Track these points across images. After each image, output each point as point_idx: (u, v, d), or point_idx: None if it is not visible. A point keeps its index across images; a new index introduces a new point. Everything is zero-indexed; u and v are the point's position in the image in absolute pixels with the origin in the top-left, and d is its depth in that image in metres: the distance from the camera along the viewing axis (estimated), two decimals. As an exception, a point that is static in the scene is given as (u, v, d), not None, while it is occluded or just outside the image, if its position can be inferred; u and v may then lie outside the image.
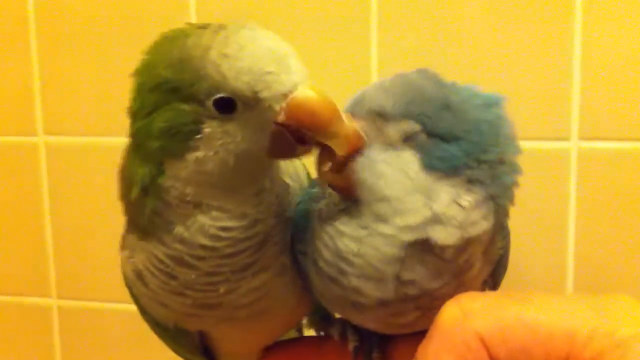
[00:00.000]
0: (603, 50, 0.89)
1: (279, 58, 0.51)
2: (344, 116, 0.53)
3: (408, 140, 0.52)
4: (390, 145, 0.53)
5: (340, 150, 0.52)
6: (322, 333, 0.70)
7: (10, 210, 1.15)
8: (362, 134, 0.53)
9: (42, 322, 1.16)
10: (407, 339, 0.59)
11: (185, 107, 0.52)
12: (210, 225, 0.55)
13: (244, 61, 0.50)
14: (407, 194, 0.51)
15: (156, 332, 0.67)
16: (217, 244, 0.55)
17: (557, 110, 0.91)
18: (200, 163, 0.53)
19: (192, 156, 0.53)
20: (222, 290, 0.57)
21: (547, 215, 0.94)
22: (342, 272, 0.54)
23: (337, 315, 0.66)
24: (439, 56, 0.94)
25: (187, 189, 0.54)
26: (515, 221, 0.57)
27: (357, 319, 0.59)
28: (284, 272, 0.61)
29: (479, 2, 0.92)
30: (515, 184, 0.54)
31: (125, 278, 0.62)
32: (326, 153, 0.54)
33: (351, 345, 0.63)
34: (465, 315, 0.43)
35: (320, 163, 0.55)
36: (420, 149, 0.52)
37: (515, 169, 0.54)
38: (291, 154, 0.55)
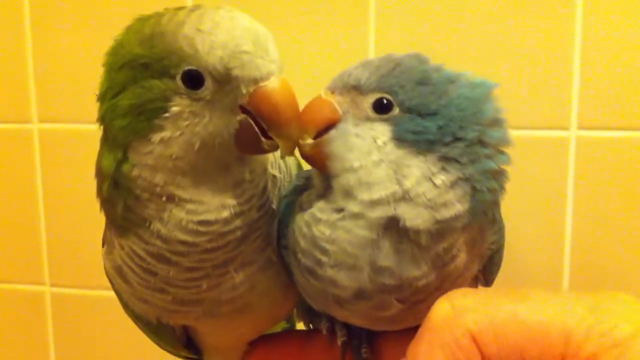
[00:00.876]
0: (603, 40, 0.89)
1: (257, 40, 0.50)
2: (323, 93, 0.54)
3: (381, 113, 0.52)
4: (364, 118, 0.52)
5: (285, 153, 0.53)
6: (310, 326, 0.69)
7: (4, 198, 1.14)
8: (337, 107, 0.53)
9: (35, 310, 1.16)
10: (396, 334, 0.58)
11: (155, 82, 0.51)
12: (188, 220, 0.53)
13: (218, 36, 0.49)
14: (375, 166, 0.51)
15: (139, 326, 0.66)
16: (197, 239, 0.53)
17: (556, 99, 0.90)
18: (165, 145, 0.51)
19: (157, 137, 0.51)
20: (204, 286, 0.56)
21: (544, 204, 0.93)
22: (318, 262, 0.53)
23: (324, 310, 0.65)
24: (438, 44, 0.92)
25: (155, 177, 0.52)
26: (513, 209, 0.56)
27: (341, 314, 0.57)
28: (268, 266, 0.59)
29: (478, -12, 0.91)
30: (498, 172, 0.52)
31: (107, 273, 0.61)
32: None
33: (339, 341, 0.61)
34: (456, 312, 0.41)
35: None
36: (393, 122, 0.51)
37: (499, 156, 0.52)
38: (257, 147, 0.53)
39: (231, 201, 0.54)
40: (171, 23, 0.50)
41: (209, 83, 0.50)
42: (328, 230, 0.52)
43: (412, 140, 0.50)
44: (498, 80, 0.88)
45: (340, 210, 0.52)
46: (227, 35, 0.49)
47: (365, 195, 0.50)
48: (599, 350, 0.38)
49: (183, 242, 0.53)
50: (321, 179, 0.55)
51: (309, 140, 0.53)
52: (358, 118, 0.53)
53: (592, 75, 0.89)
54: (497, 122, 0.52)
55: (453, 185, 0.50)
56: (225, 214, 0.54)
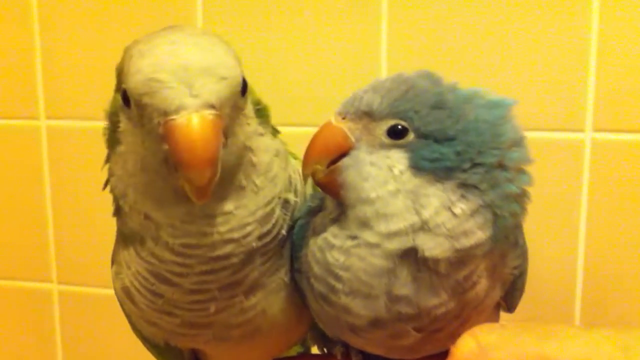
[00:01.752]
0: (619, 41, 0.87)
1: (180, 70, 0.45)
2: (333, 119, 0.52)
3: (396, 139, 0.50)
4: (378, 146, 0.50)
5: (191, 195, 0.47)
6: (325, 351, 0.68)
7: (12, 195, 1.14)
8: (349, 134, 0.51)
9: (42, 307, 1.16)
10: None
11: (116, 95, 0.51)
12: (172, 242, 0.52)
13: (144, 61, 0.46)
14: (392, 196, 0.49)
15: (147, 347, 0.65)
16: (188, 261, 0.52)
17: (572, 102, 0.89)
18: (123, 159, 0.51)
19: (119, 149, 0.52)
20: (212, 309, 0.55)
21: (558, 206, 0.92)
22: (332, 289, 0.52)
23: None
24: (451, 45, 0.91)
25: (127, 191, 0.52)
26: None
27: (355, 342, 0.56)
28: (280, 289, 0.58)
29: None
30: (519, 195, 0.50)
31: (116, 294, 0.60)
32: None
33: None
34: (481, 349, 0.40)
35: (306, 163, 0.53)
36: (409, 149, 0.49)
37: (520, 178, 0.50)
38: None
39: (211, 229, 0.51)
40: (135, 41, 0.50)
41: (132, 105, 0.48)
42: (342, 256, 0.51)
43: (430, 168, 0.48)
44: (513, 81, 0.89)
45: (354, 237, 0.50)
46: (150, 61, 0.46)
47: (382, 227, 0.49)
48: None
49: (174, 263, 0.53)
50: (334, 203, 0.54)
51: (322, 168, 0.52)
52: (372, 145, 0.51)
53: (608, 77, 0.88)
54: (516, 143, 0.50)
55: (473, 213, 0.48)
56: (210, 240, 0.52)
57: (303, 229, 0.57)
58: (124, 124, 0.50)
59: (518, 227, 0.54)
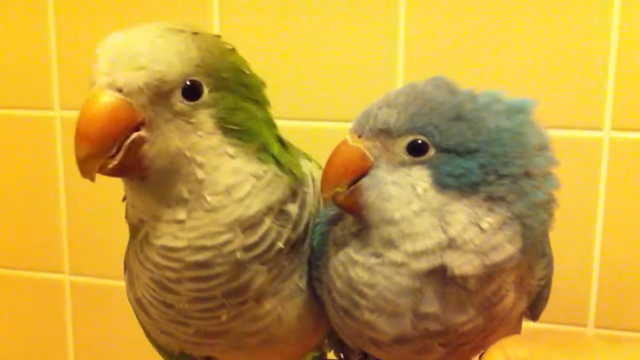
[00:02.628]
0: (639, 41, 0.86)
1: (111, 53, 0.48)
2: (349, 136, 0.50)
3: (416, 156, 0.48)
4: (398, 163, 0.48)
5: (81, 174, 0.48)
6: (342, 356, 0.67)
7: (25, 185, 1.14)
8: (367, 153, 0.49)
9: (54, 298, 1.16)
10: None
11: None
12: (156, 244, 0.52)
13: (102, 41, 0.49)
14: (417, 216, 0.47)
15: (162, 356, 0.65)
16: (173, 265, 0.52)
17: (590, 100, 0.89)
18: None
19: None
20: (224, 317, 0.54)
21: (575, 206, 0.91)
22: (355, 305, 0.50)
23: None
24: (470, 43, 0.91)
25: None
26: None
27: (377, 354, 0.55)
28: (295, 295, 0.57)
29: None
30: (548, 201, 0.48)
31: (130, 303, 0.60)
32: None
33: None
34: None
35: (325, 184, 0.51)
36: (430, 165, 0.47)
37: (548, 183, 0.48)
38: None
39: (181, 234, 0.51)
40: None
41: None
42: (366, 274, 0.49)
43: (455, 184, 0.47)
44: (531, 78, 0.88)
45: (378, 255, 0.49)
46: (103, 41, 0.49)
47: (408, 247, 0.47)
48: None
49: (165, 267, 0.52)
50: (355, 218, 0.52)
51: (342, 190, 0.50)
52: (391, 163, 0.49)
53: (627, 75, 0.88)
54: (541, 147, 0.48)
55: (501, 226, 0.47)
56: (179, 243, 0.51)
57: (323, 237, 0.55)
58: None
59: (545, 235, 0.53)
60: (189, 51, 0.49)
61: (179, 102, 0.49)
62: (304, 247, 0.57)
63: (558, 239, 0.91)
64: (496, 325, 0.50)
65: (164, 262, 0.52)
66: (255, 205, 0.53)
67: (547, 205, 0.49)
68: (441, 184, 0.47)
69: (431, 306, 0.48)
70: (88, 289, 1.14)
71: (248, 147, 0.53)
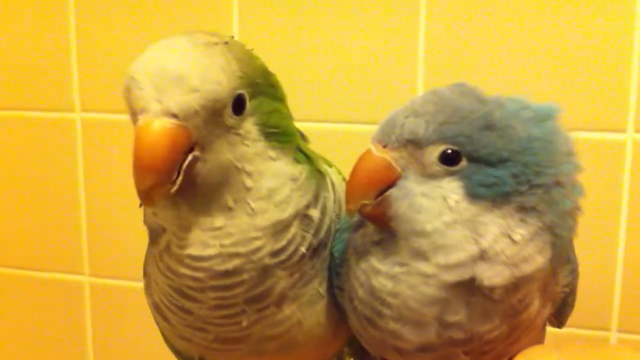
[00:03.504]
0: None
1: (154, 73, 0.46)
2: (373, 146, 0.49)
3: (447, 166, 0.47)
4: (429, 174, 0.47)
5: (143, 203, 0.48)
6: None
7: (45, 187, 1.15)
8: (394, 164, 0.48)
9: (74, 299, 1.16)
10: None
11: None
12: (180, 254, 0.51)
13: (135, 62, 0.48)
14: (449, 227, 0.46)
15: None
16: (196, 275, 0.51)
17: (614, 102, 0.88)
18: None
19: None
20: (244, 323, 0.54)
21: (598, 208, 0.90)
22: (379, 314, 0.50)
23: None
24: (490, 46, 0.90)
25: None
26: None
27: None
28: (316, 301, 0.57)
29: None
30: (576, 208, 0.48)
31: (150, 309, 0.60)
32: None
33: None
34: None
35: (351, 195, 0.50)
36: (462, 175, 0.47)
37: (575, 190, 0.48)
38: None
39: (214, 241, 0.51)
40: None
41: None
42: (389, 283, 0.49)
43: (487, 194, 0.46)
44: (554, 80, 0.87)
45: (403, 264, 0.48)
46: (137, 62, 0.48)
47: (440, 259, 0.47)
48: None
49: (188, 277, 0.52)
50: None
51: (369, 202, 0.49)
52: (420, 174, 0.48)
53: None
54: (569, 154, 0.48)
55: (533, 237, 0.46)
56: (208, 251, 0.51)
57: (344, 244, 0.55)
58: None
59: (570, 243, 0.52)
60: (229, 64, 0.49)
61: (229, 117, 0.49)
62: (325, 253, 0.57)
63: (581, 242, 0.90)
64: (520, 333, 0.49)
65: (189, 272, 0.52)
66: (289, 209, 0.53)
67: (574, 213, 0.49)
68: (473, 194, 0.46)
69: (456, 315, 0.47)
70: (108, 290, 1.14)
71: (286, 147, 0.54)
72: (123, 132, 1.06)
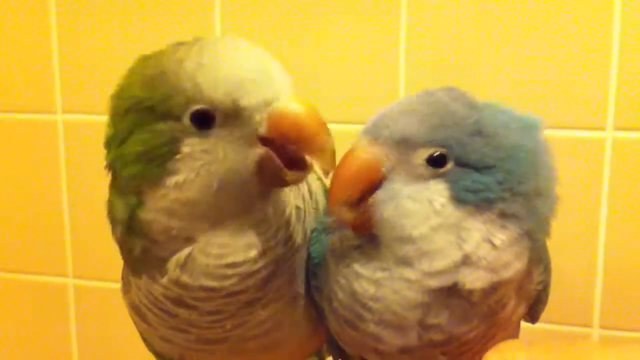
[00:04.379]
0: (641, 41, 0.86)
1: (259, 67, 0.47)
2: (364, 140, 0.48)
3: (434, 168, 0.47)
4: (415, 175, 0.48)
5: (325, 165, 0.47)
6: None
7: (28, 189, 1.14)
8: (381, 164, 0.48)
9: (58, 301, 1.16)
10: None
11: (161, 125, 0.48)
12: (214, 264, 0.50)
13: (221, 69, 0.47)
14: (435, 232, 0.46)
15: None
16: (223, 284, 0.51)
17: (593, 100, 0.88)
18: (181, 188, 0.48)
19: (171, 181, 0.48)
20: (228, 326, 0.54)
21: (578, 206, 0.91)
22: (359, 317, 0.50)
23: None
24: (471, 45, 0.91)
25: (170, 222, 0.49)
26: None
27: None
28: (296, 301, 0.57)
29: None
30: (553, 215, 0.49)
31: (127, 309, 0.59)
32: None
33: None
34: None
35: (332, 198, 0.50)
36: (449, 179, 0.47)
37: (552, 200, 0.49)
38: (281, 180, 0.50)
39: (256, 239, 0.51)
40: (171, 61, 0.48)
41: (219, 119, 0.48)
42: (372, 288, 0.49)
43: (472, 199, 0.46)
44: (534, 78, 0.88)
45: (386, 269, 0.48)
46: (229, 67, 0.47)
47: (425, 266, 0.47)
48: None
49: (206, 289, 0.51)
50: None
51: (352, 211, 0.49)
52: (407, 175, 0.48)
53: (630, 75, 0.87)
54: (551, 166, 0.49)
55: (512, 242, 0.47)
56: (253, 253, 0.51)
57: (321, 245, 0.55)
58: (189, 149, 0.48)
59: (544, 243, 0.53)
60: None
61: None
62: (303, 251, 0.57)
63: (561, 239, 0.91)
64: (496, 331, 0.50)
65: (212, 283, 0.51)
66: (291, 210, 0.55)
67: (550, 219, 0.50)
68: (458, 198, 0.47)
69: (437, 318, 0.48)
70: (92, 292, 1.14)
71: None
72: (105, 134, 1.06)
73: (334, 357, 0.68)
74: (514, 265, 0.47)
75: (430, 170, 0.47)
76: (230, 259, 0.50)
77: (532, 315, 0.58)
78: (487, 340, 0.50)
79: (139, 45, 1.02)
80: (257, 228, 0.51)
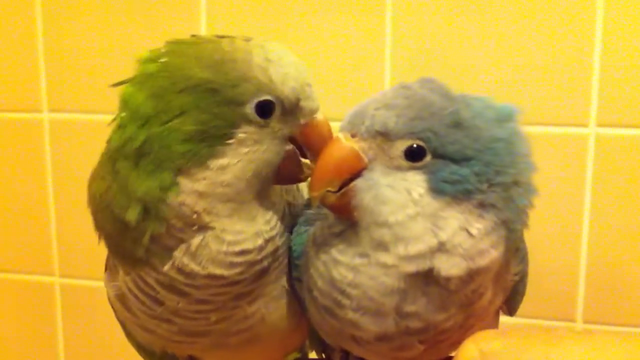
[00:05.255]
0: (623, 38, 0.87)
1: (309, 75, 0.53)
2: (342, 137, 0.50)
3: (413, 160, 0.48)
4: (394, 166, 0.48)
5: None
6: (323, 356, 0.67)
7: (14, 188, 1.14)
8: (362, 154, 0.49)
9: (44, 300, 1.16)
10: None
11: (223, 108, 0.49)
12: (225, 251, 0.51)
13: (289, 68, 0.51)
14: (411, 220, 0.47)
15: (141, 355, 0.64)
16: (229, 272, 0.51)
17: (576, 97, 0.89)
18: (221, 171, 0.50)
19: (215, 163, 0.49)
20: (213, 318, 0.54)
21: (562, 202, 0.92)
22: (338, 304, 0.50)
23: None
24: (455, 42, 0.91)
25: (198, 204, 0.50)
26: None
27: (357, 351, 0.55)
28: (280, 296, 0.57)
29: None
30: (530, 206, 0.50)
31: (109, 300, 0.59)
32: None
33: None
34: (484, 357, 0.40)
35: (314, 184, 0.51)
36: (427, 170, 0.48)
37: (530, 190, 0.49)
38: (295, 176, 0.54)
39: (264, 227, 0.53)
40: (239, 51, 0.51)
41: (277, 112, 0.51)
42: (350, 274, 0.49)
43: (450, 190, 0.47)
44: (517, 75, 0.88)
45: (364, 255, 0.49)
46: (294, 68, 0.52)
47: (400, 250, 0.47)
48: None
49: (212, 276, 0.51)
50: (337, 216, 0.52)
51: (333, 190, 0.50)
52: (386, 166, 0.49)
53: (612, 72, 0.88)
54: (527, 155, 0.50)
55: (489, 232, 0.47)
56: (260, 241, 0.53)
57: (302, 237, 0.56)
58: (244, 135, 0.50)
59: (521, 233, 0.53)
60: None
61: None
62: (286, 247, 0.58)
63: (545, 234, 0.92)
64: (474, 321, 0.51)
65: (218, 271, 0.51)
66: (284, 205, 0.58)
67: (528, 210, 0.50)
68: (436, 189, 0.47)
69: (414, 305, 0.48)
70: (78, 291, 1.14)
71: None
72: (91, 132, 1.06)
73: (316, 351, 0.69)
74: (490, 253, 0.48)
75: (408, 163, 0.48)
76: (242, 246, 0.52)
77: (510, 306, 0.58)
78: (465, 330, 0.50)
79: (125, 43, 1.02)
80: (263, 217, 0.53)
